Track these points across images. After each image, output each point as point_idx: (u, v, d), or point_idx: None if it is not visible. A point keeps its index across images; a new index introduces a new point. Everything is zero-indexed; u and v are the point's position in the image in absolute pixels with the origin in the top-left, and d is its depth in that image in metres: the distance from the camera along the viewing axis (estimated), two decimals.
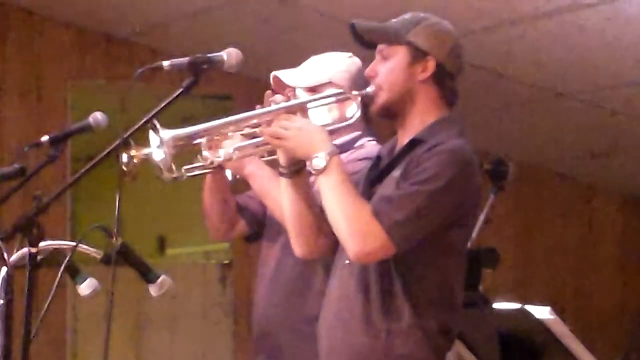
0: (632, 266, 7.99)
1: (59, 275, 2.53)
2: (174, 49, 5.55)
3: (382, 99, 2.62)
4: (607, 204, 7.99)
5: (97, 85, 6.11)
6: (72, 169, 5.95)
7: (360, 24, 2.65)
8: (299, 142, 2.52)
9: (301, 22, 5.33)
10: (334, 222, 2.50)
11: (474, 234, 2.99)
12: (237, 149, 2.64)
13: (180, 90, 2.48)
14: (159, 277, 2.66)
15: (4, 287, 2.43)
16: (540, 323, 3.27)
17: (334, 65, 3.10)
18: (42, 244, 2.42)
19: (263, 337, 3.09)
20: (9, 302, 2.41)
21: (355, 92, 2.69)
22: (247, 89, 5.62)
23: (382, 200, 2.48)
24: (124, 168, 2.51)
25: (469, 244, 2.66)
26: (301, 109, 2.61)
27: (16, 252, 2.47)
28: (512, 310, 3.40)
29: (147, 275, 2.66)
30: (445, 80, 2.63)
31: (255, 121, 2.62)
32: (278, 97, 2.66)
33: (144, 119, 2.46)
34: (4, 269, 2.44)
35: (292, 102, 2.65)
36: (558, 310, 3.42)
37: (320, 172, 2.49)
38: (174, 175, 2.56)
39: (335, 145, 2.55)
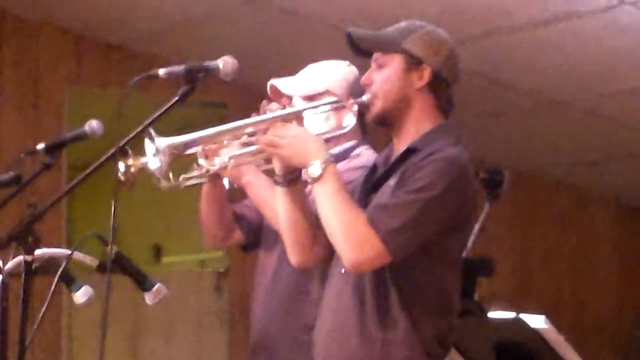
0: (628, 272, 8.00)
1: (54, 283, 2.53)
2: (170, 57, 5.54)
3: (377, 107, 2.62)
4: (603, 211, 8.01)
5: (94, 92, 6.09)
6: (67, 176, 5.93)
7: (356, 33, 2.65)
8: (294, 151, 2.52)
9: (297, 30, 5.33)
10: (329, 230, 2.50)
11: (470, 243, 2.99)
12: (233, 157, 2.63)
13: (176, 98, 2.48)
14: (154, 285, 2.66)
15: None
16: (535, 332, 3.27)
17: (332, 73, 3.08)
18: (37, 251, 2.42)
19: (260, 345, 3.08)
20: (4, 310, 2.40)
21: (351, 101, 2.69)
22: (243, 97, 5.60)
23: (378, 209, 2.48)
24: (121, 177, 2.50)
25: (464, 253, 2.66)
26: (297, 118, 2.61)
27: (12, 259, 2.47)
28: (507, 319, 3.40)
29: (143, 283, 2.66)
30: (440, 89, 2.63)
31: (251, 129, 2.61)
32: (274, 105, 2.66)
33: (140, 127, 2.46)
34: None
35: (288, 110, 2.66)
36: (555, 316, 3.42)
37: (316, 180, 2.49)
38: (171, 183, 2.55)
39: (331, 153, 2.55)
